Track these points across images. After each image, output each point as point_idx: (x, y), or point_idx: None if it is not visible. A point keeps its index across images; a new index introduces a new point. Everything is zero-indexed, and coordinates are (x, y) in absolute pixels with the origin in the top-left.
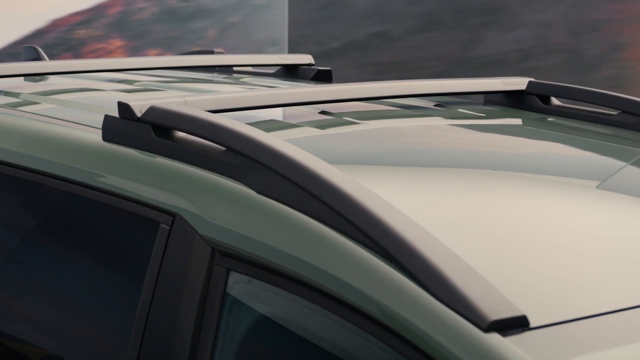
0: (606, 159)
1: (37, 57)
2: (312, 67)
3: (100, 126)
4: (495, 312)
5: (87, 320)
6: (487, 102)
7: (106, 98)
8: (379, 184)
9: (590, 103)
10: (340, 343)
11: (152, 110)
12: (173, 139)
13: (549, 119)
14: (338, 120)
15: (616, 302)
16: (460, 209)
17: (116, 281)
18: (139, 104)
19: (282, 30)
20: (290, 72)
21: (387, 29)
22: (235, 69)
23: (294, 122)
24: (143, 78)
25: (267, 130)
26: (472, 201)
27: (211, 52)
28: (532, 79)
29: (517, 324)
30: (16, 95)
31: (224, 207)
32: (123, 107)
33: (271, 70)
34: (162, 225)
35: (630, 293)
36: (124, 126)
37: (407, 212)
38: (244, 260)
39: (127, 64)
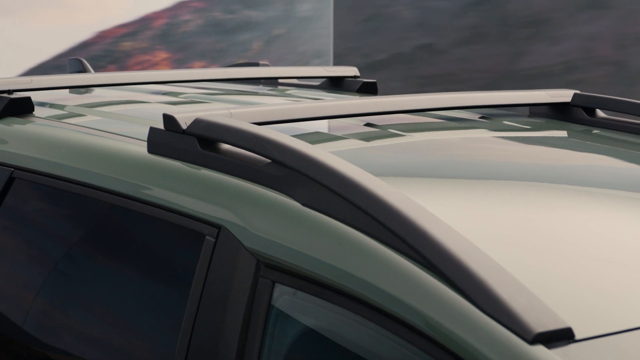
0: None
1: (82, 69)
2: (358, 79)
3: (146, 138)
4: (540, 324)
5: (134, 332)
6: (532, 114)
7: (151, 110)
8: (424, 196)
9: (636, 115)
10: (385, 355)
11: (197, 122)
12: (218, 151)
13: (594, 131)
14: (383, 133)
15: None
16: (505, 220)
17: (162, 293)
18: (184, 116)
19: (328, 42)
20: (335, 85)
21: (433, 41)
22: (280, 81)
23: (339, 134)
24: (188, 90)
25: (312, 142)
26: (517, 213)
27: (256, 64)
28: (578, 91)
29: (562, 336)
30: (61, 107)
31: (269, 219)
32: (168, 120)
33: (316, 83)
34: (207, 237)
35: None
36: (169, 138)
37: (452, 224)
38: (288, 273)
39: (172, 76)
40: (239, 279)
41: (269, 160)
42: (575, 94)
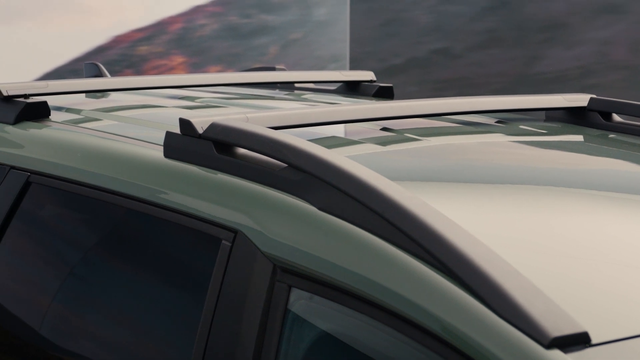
0: None
1: (99, 74)
2: (374, 83)
3: (162, 143)
4: (556, 328)
5: (150, 336)
6: (548, 119)
7: (168, 115)
8: (441, 201)
9: None
10: (402, 359)
11: (213, 126)
12: (234, 155)
13: (611, 136)
14: (399, 137)
15: None
16: (521, 225)
17: (178, 298)
18: (201, 120)
19: (344, 47)
20: (351, 89)
21: (449, 45)
22: (296, 85)
23: (355, 138)
24: (204, 95)
25: (329, 146)
26: (534, 217)
27: (273, 69)
28: (594, 96)
29: (578, 341)
30: (78, 111)
31: (285, 223)
32: (185, 124)
33: (332, 87)
34: (223, 241)
35: None
36: (185, 143)
37: (468, 228)
38: (305, 277)
39: (188, 81)
40: (256, 283)
41: (286, 165)
42: (591, 99)
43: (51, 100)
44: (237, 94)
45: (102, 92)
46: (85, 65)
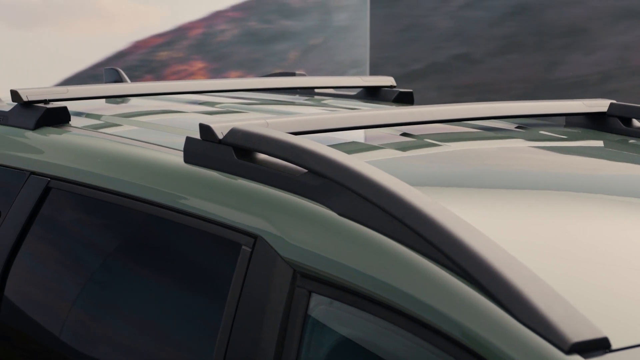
0: None
1: (119, 79)
2: (394, 89)
3: (182, 148)
4: (576, 333)
5: (170, 342)
6: (568, 124)
7: (188, 120)
8: (461, 206)
9: None
10: None
11: (233, 132)
12: (254, 160)
13: (631, 141)
14: (419, 142)
15: None
16: (541, 230)
17: (198, 303)
18: (221, 126)
19: (364, 52)
20: (371, 94)
21: (469, 51)
22: (316, 90)
23: (375, 144)
24: (224, 100)
25: (349, 152)
26: (553, 223)
27: (293, 74)
28: (614, 101)
29: (598, 346)
30: (98, 117)
31: (305, 229)
32: (205, 129)
33: (353, 92)
34: (243, 247)
35: None
36: (205, 148)
37: (488, 233)
38: (325, 282)
39: (208, 86)
40: (276, 288)
41: (306, 170)
42: (611, 104)
43: (71, 106)
44: (257, 99)
45: (122, 97)
46: (105, 71)
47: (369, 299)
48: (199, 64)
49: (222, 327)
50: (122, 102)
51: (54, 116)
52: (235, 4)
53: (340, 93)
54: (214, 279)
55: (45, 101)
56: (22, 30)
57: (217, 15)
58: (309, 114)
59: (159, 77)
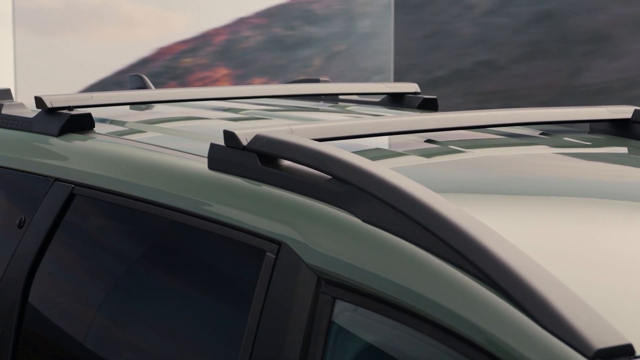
0: None
1: (143, 86)
2: (418, 95)
3: (206, 154)
4: (601, 340)
5: (195, 349)
6: (592, 131)
7: (212, 126)
8: (485, 213)
9: None
10: None
11: (257, 138)
12: (279, 167)
13: None
14: (444, 149)
15: None
16: (565, 237)
17: (222, 309)
18: (245, 132)
19: (388, 58)
20: (395, 101)
21: (493, 57)
22: (340, 97)
23: (399, 150)
24: (249, 106)
25: (373, 158)
26: (578, 230)
27: (317, 81)
28: (638, 108)
29: (622, 353)
30: (122, 123)
31: (329, 235)
32: (229, 136)
33: (377, 99)
34: (267, 253)
35: None
36: (229, 154)
37: (512, 240)
38: (349, 289)
39: (232, 93)
40: (300, 295)
41: (330, 177)
42: (635, 110)
43: (95, 112)
44: (281, 105)
45: (146, 104)
46: (130, 77)
47: (393, 305)
48: (223, 71)
49: (247, 333)
50: (146, 108)
51: (78, 123)
52: (259, 10)
53: (364, 99)
54: (238, 286)
55: (70, 108)
56: (46, 37)
57: (241, 22)
58: (333, 120)
59: (183, 84)
